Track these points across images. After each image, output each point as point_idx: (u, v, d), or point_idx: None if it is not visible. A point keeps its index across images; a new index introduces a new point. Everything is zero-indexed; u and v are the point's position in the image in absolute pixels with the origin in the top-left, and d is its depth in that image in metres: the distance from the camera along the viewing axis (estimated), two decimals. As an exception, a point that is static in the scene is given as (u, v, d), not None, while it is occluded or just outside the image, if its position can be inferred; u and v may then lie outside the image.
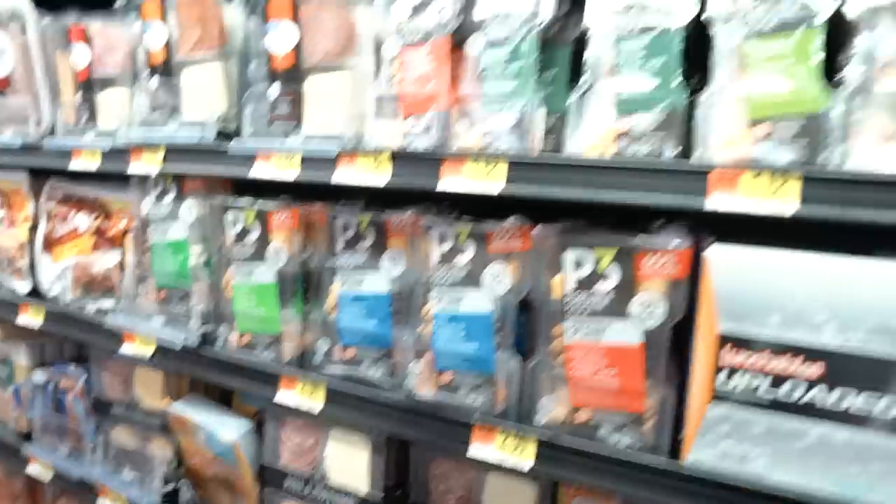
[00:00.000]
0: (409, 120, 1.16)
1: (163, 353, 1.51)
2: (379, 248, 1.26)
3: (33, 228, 1.86)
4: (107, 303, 1.67)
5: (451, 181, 1.08)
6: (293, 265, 1.33)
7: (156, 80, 1.45)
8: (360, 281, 1.28)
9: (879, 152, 0.87)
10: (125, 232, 1.64)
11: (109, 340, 1.59)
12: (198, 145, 1.36)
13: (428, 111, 1.15)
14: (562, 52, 1.16)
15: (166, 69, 1.44)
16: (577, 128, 1.07)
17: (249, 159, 1.29)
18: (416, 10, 1.16)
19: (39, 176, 1.85)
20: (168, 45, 1.42)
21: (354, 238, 1.28)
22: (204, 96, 1.38)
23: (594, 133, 1.05)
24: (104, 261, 1.68)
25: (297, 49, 1.24)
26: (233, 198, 1.40)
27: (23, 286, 1.86)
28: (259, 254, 1.34)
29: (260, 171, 1.27)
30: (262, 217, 1.32)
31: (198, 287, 1.45)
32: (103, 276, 1.66)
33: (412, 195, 1.19)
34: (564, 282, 1.06)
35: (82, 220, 1.73)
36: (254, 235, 1.34)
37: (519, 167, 1.04)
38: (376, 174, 1.15)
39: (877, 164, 0.86)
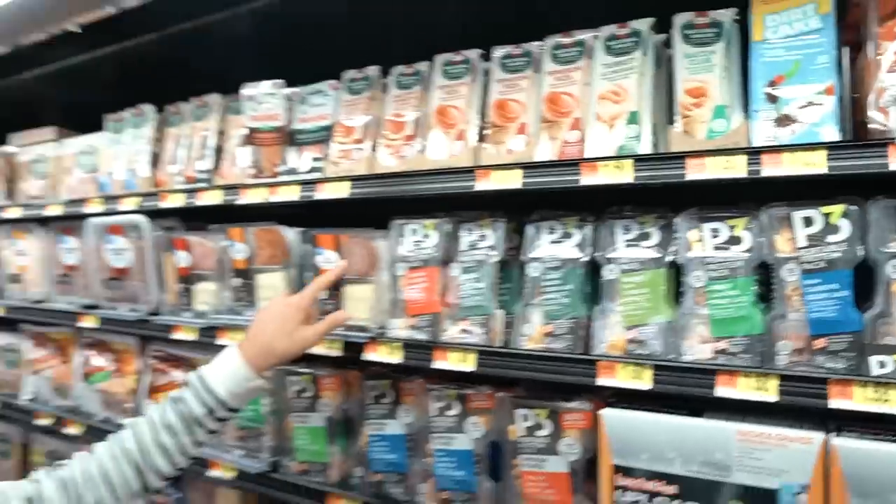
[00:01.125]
0: (413, 319, 1.74)
1: (241, 476, 2.06)
2: (396, 403, 1.81)
3: (139, 379, 2.46)
4: (196, 438, 2.23)
5: (441, 363, 1.65)
6: (337, 414, 1.89)
7: (238, 280, 2.07)
8: (384, 425, 1.83)
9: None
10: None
11: (197, 466, 2.14)
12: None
13: (424, 313, 1.73)
14: (515, 271, 1.74)
15: (246, 273, 2.06)
16: (522, 326, 1.64)
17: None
18: (416, 245, 1.77)
19: (145, 340, 2.47)
20: (248, 258, 2.05)
21: (379, 396, 1.84)
22: (273, 294, 1.98)
23: (532, 330, 1.62)
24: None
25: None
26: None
27: (129, 424, 2.44)
28: (312, 406, 1.91)
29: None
30: (315, 380, 1.90)
31: (268, 428, 2.02)
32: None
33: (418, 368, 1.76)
34: (517, 430, 1.60)
35: (178, 375, 2.32)
36: (309, 393, 1.91)
37: (485, 355, 1.61)
38: (392, 356, 1.72)
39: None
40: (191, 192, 2.20)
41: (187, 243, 2.22)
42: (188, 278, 2.23)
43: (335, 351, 1.82)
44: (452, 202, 1.79)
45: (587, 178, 1.47)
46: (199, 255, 2.21)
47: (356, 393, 1.89)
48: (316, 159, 1.95)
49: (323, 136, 1.97)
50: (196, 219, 2.32)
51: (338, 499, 1.87)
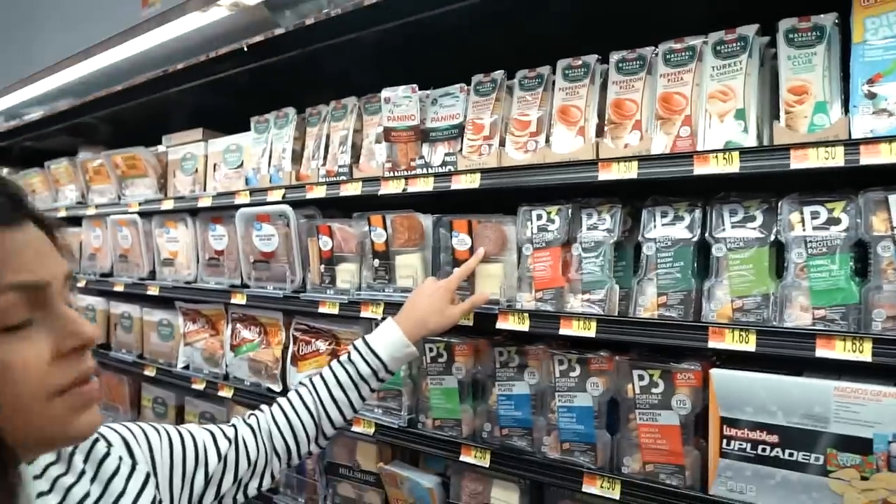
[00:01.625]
0: (539, 293, 2.00)
1: (380, 431, 2.37)
2: (522, 367, 2.08)
3: (285, 349, 2.82)
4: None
5: (565, 330, 1.91)
6: (469, 377, 2.18)
7: (377, 261, 2.38)
8: (511, 386, 2.10)
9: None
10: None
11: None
12: (407, 303, 2.25)
13: (549, 287, 1.99)
14: (628, 251, 1.98)
15: (385, 255, 2.36)
16: (638, 298, 1.87)
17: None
18: (541, 228, 2.03)
19: (289, 315, 2.83)
20: (387, 241, 2.35)
21: (506, 360, 2.11)
22: (409, 273, 2.28)
23: (647, 302, 1.85)
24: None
25: (471, 249, 2.12)
26: (428, 334, 2.27)
27: (276, 387, 2.81)
28: (446, 369, 2.20)
29: (448, 320, 2.14)
30: (449, 347, 2.19)
31: (406, 390, 2.32)
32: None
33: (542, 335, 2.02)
34: (634, 388, 1.84)
35: (321, 345, 2.66)
36: (444, 358, 2.20)
37: (605, 323, 1.85)
38: (520, 325, 1.99)
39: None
40: (333, 184, 2.53)
41: (330, 229, 2.55)
42: (331, 260, 2.56)
43: (467, 321, 2.10)
44: (572, 190, 2.03)
45: (700, 169, 1.69)
46: (341, 240, 2.53)
47: (486, 358, 2.16)
48: (448, 154, 2.22)
49: (454, 133, 2.25)
50: (332, 210, 2.65)
51: (469, 449, 2.15)
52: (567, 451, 1.97)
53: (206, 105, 3.38)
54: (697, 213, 1.83)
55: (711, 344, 1.67)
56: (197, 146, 3.35)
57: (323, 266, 2.60)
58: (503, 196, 2.15)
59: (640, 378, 1.83)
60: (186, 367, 3.31)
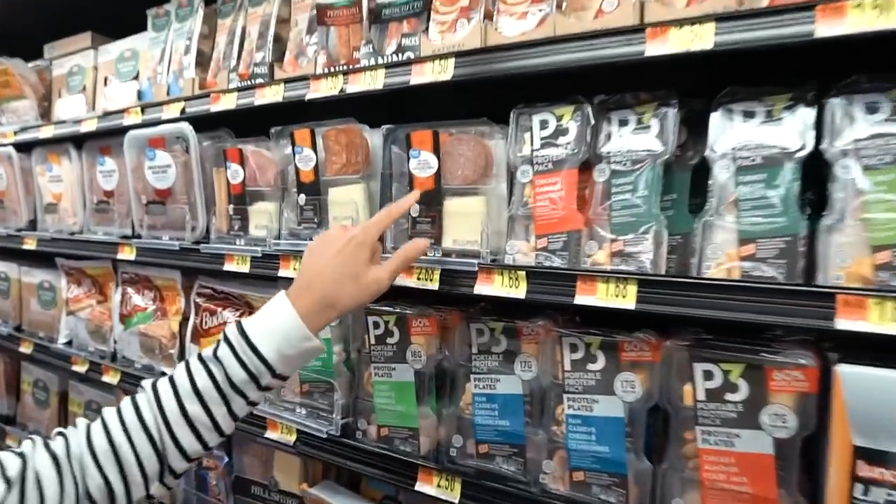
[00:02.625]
0: (543, 239, 1.29)
1: (304, 441, 1.65)
2: (512, 353, 1.37)
3: (184, 321, 2.08)
4: (251, 392, 1.84)
5: (585, 299, 1.20)
6: (430, 365, 1.46)
7: (303, 197, 1.65)
8: (495, 382, 1.39)
9: None
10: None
11: (253, 426, 1.75)
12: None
13: (558, 232, 1.27)
14: (681, 177, 1.27)
15: (314, 187, 1.63)
16: (706, 248, 1.17)
17: (392, 271, 1.44)
18: (547, 141, 1.31)
19: (190, 274, 2.08)
20: (316, 168, 1.62)
21: (489, 343, 1.40)
22: (347, 213, 1.55)
23: (720, 253, 1.14)
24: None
25: (438, 174, 1.40)
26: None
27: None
28: (399, 356, 1.48)
29: (399, 282, 1.42)
30: (403, 321, 1.47)
31: (339, 383, 1.60)
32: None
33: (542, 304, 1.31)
34: (695, 392, 1.14)
35: (229, 316, 1.92)
36: (394, 338, 1.48)
37: (650, 286, 1.14)
38: (512, 290, 1.27)
39: None
40: (246, 89, 1.78)
41: (241, 154, 1.80)
42: (241, 197, 1.82)
43: (430, 284, 1.39)
44: (596, 82, 1.32)
45: (828, 26, 0.98)
46: (255, 168, 1.79)
47: (457, 339, 1.45)
48: (406, 37, 1.49)
49: (416, 7, 1.51)
50: (253, 131, 1.89)
51: (430, 474, 1.44)
52: (580, 483, 1.28)
53: (98, 5, 2.57)
54: (806, 111, 1.12)
55: (843, 324, 0.98)
56: (85, 56, 2.56)
57: (232, 206, 1.85)
58: (487, 96, 1.43)
59: (708, 376, 1.13)
60: (69, 343, 2.55)
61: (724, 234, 1.15)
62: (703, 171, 1.23)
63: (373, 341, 1.52)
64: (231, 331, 1.12)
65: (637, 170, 1.22)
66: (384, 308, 1.49)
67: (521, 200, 1.33)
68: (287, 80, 1.67)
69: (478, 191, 1.38)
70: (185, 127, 1.92)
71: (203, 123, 1.96)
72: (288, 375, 1.16)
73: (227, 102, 1.83)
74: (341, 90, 1.54)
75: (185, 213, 1.98)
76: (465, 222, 1.37)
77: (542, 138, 1.31)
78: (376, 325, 1.50)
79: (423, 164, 1.41)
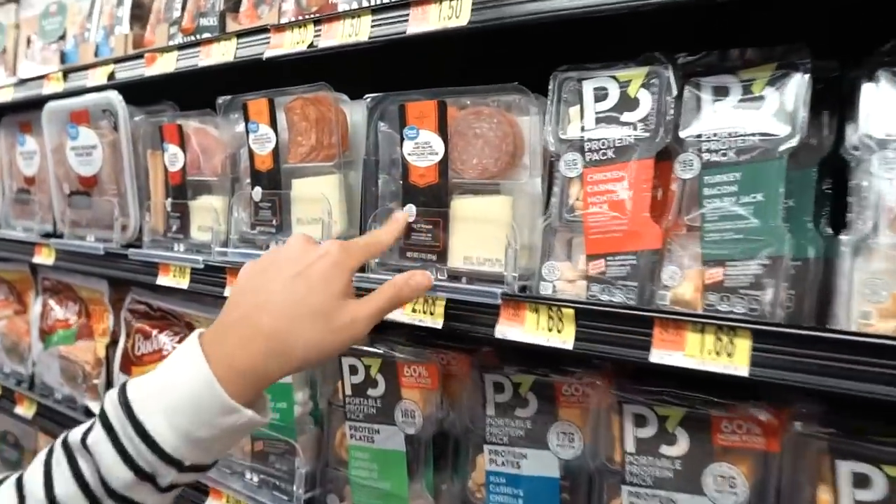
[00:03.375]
0: (598, 261, 0.88)
1: (256, 515, 1.24)
2: (544, 418, 0.97)
3: (112, 344, 1.65)
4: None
5: (667, 355, 0.79)
6: (428, 430, 1.05)
7: (259, 191, 1.23)
8: (519, 457, 0.98)
9: None
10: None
11: (193, 491, 1.34)
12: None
13: (622, 252, 0.87)
14: (803, 178, 0.86)
15: (272, 179, 1.21)
16: (849, 287, 0.76)
17: (377, 297, 1.03)
18: (604, 118, 0.90)
19: (120, 285, 1.65)
20: (276, 152, 1.20)
21: (511, 401, 0.99)
22: (316, 214, 1.14)
23: (881, 296, 0.74)
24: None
25: (444, 163, 0.99)
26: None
27: (96, 408, 1.64)
28: (385, 414, 1.07)
29: (390, 315, 1.01)
30: (391, 369, 1.06)
31: (303, 443, 1.19)
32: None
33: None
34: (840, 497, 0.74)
35: (166, 341, 1.50)
36: (379, 389, 1.07)
37: (769, 340, 0.74)
38: (555, 335, 0.87)
39: None
40: (189, 47, 1.35)
41: (181, 132, 1.38)
42: (181, 189, 1.40)
43: (431, 319, 0.97)
44: (668, 39, 0.91)
45: None
46: (198, 150, 1.37)
47: (466, 394, 1.04)
48: (402, -28, 1.07)
49: (416, -69, 1.09)
50: (205, 100, 1.46)
51: (424, 579, 1.04)
52: None
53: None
54: None
55: None
56: (5, 11, 2.11)
57: (170, 200, 1.43)
58: (518, 57, 1.03)
59: (860, 482, 0.73)
60: (-17, 361, 2.11)
61: (887, 264, 0.75)
62: (835, 166, 0.84)
63: (348, 391, 1.10)
64: (110, 401, 0.70)
65: (744, 162, 0.82)
66: (367, 348, 1.08)
67: (564, 203, 0.92)
68: (241, 34, 1.25)
69: (501, 188, 0.97)
70: (113, 96, 1.49)
71: (141, 94, 1.53)
72: (209, 464, 0.74)
73: (165, 64, 1.40)
74: (311, 45, 1.12)
75: (114, 207, 1.55)
76: (481, 232, 0.96)
77: (598, 114, 0.90)
78: (353, 371, 1.09)
79: (422, 147, 1.00)
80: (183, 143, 1.38)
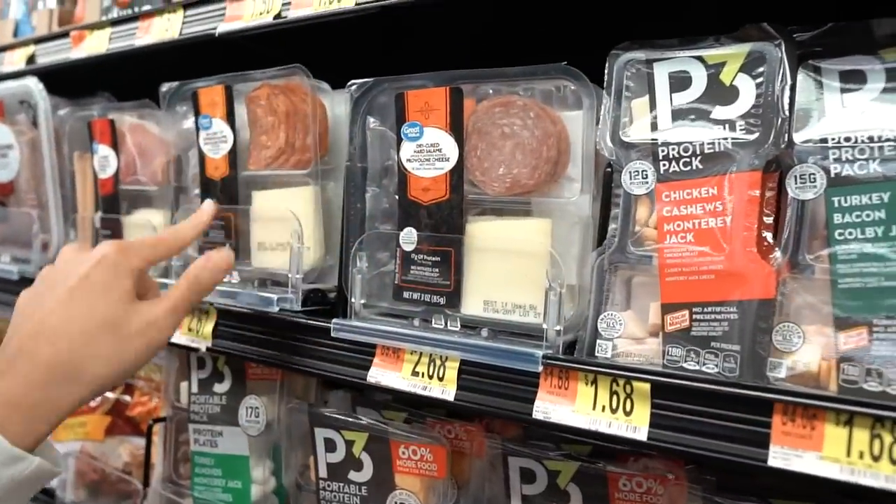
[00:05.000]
0: (679, 313, 0.63)
1: None
2: (593, 523, 0.71)
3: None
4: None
5: (795, 456, 0.54)
6: (430, 530, 0.79)
7: (210, 203, 0.95)
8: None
9: None
10: (154, 418, 1.11)
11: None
12: (268, 315, 0.84)
13: (718, 301, 0.61)
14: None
15: (227, 190, 0.94)
16: None
17: (361, 351, 0.77)
18: (686, 117, 0.65)
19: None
20: (233, 155, 0.93)
21: (548, 496, 0.73)
22: (284, 237, 0.87)
23: None
24: (120, 453, 1.16)
25: (456, 173, 0.73)
26: (328, 397, 0.87)
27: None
28: (375, 499, 0.80)
29: (379, 376, 0.74)
30: (382, 447, 0.79)
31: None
32: (118, 478, 1.13)
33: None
34: None
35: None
36: (365, 473, 0.80)
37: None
38: (622, 420, 0.61)
39: None
40: (124, 21, 1.08)
41: (113, 128, 1.10)
42: (113, 200, 1.12)
43: (439, 387, 0.71)
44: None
45: None
46: (135, 152, 1.09)
47: (484, 481, 0.78)
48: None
49: None
50: (141, 90, 1.18)
51: None
52: None
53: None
54: None
55: None
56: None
57: (100, 214, 1.14)
58: (560, 30, 0.78)
59: None
60: None
61: None
62: None
63: (323, 473, 0.83)
64: None
65: (894, 178, 0.58)
66: (344, 417, 0.81)
67: (628, 231, 0.67)
68: (187, 4, 0.98)
69: (537, 207, 0.72)
70: (32, 84, 1.21)
71: (70, 82, 1.25)
72: None
73: (96, 44, 1.13)
74: (278, 16, 0.86)
75: (33, 221, 1.26)
76: (509, 268, 0.70)
77: (676, 108, 0.65)
78: (330, 446, 0.82)
79: (428, 151, 0.74)
80: (116, 143, 1.10)
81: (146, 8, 1.07)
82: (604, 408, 0.62)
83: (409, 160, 0.76)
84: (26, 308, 0.69)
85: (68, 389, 0.64)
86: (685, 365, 0.62)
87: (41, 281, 0.71)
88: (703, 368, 0.61)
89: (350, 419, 0.81)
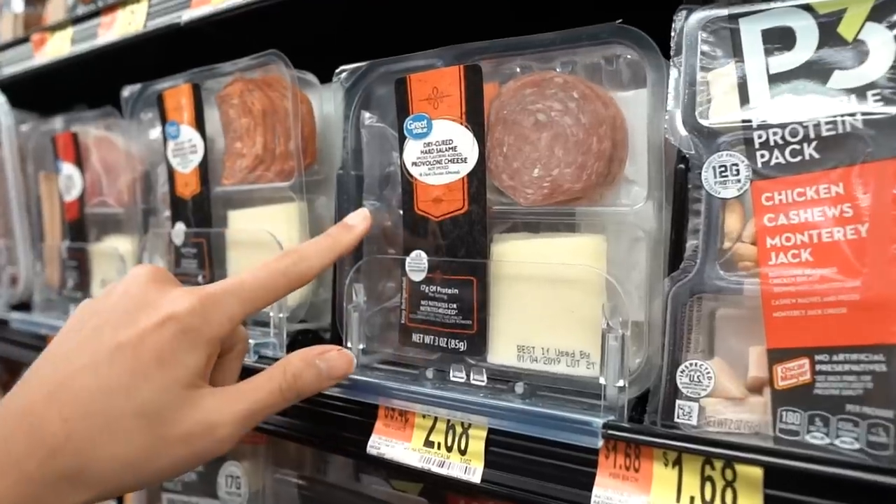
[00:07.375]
0: (795, 363, 0.44)
1: None
2: None
3: None
4: None
5: None
6: None
7: (181, 229, 0.79)
8: None
9: None
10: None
11: None
12: (245, 365, 0.67)
13: (854, 345, 0.43)
14: None
15: (199, 210, 0.77)
16: None
17: (359, 412, 0.59)
18: (790, 86, 0.47)
19: (11, 362, 1.20)
20: (204, 168, 0.76)
21: None
22: (259, 258, 0.70)
23: None
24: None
25: (476, 178, 0.55)
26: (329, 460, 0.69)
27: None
28: None
29: (382, 446, 0.57)
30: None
31: None
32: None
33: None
34: None
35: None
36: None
37: None
38: (720, 518, 0.42)
39: None
40: (86, 18, 0.93)
41: (76, 143, 0.94)
42: (79, 226, 0.96)
43: (461, 462, 0.53)
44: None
45: None
46: (101, 171, 0.94)
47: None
48: None
49: None
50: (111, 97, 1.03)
51: None
52: None
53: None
54: None
55: None
56: None
57: (67, 244, 0.99)
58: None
59: None
60: None
61: None
62: None
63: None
64: None
65: None
66: (342, 494, 0.63)
67: (713, 248, 0.48)
68: (155, -10, 0.83)
69: (585, 219, 0.54)
70: (-8, 97, 1.06)
71: (36, 93, 1.11)
72: None
73: (58, 47, 0.98)
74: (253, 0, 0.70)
75: (1, 251, 1.12)
76: (549, 302, 0.53)
77: (774, 76, 0.47)
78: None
79: (439, 151, 0.57)
80: (80, 160, 0.94)
81: (110, 2, 0.92)
82: (692, 500, 0.44)
83: (415, 164, 0.59)
84: (61, 345, 0.49)
85: (67, 489, 0.45)
86: (808, 439, 0.44)
87: (90, 310, 0.50)
88: (836, 443, 0.43)
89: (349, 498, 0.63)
